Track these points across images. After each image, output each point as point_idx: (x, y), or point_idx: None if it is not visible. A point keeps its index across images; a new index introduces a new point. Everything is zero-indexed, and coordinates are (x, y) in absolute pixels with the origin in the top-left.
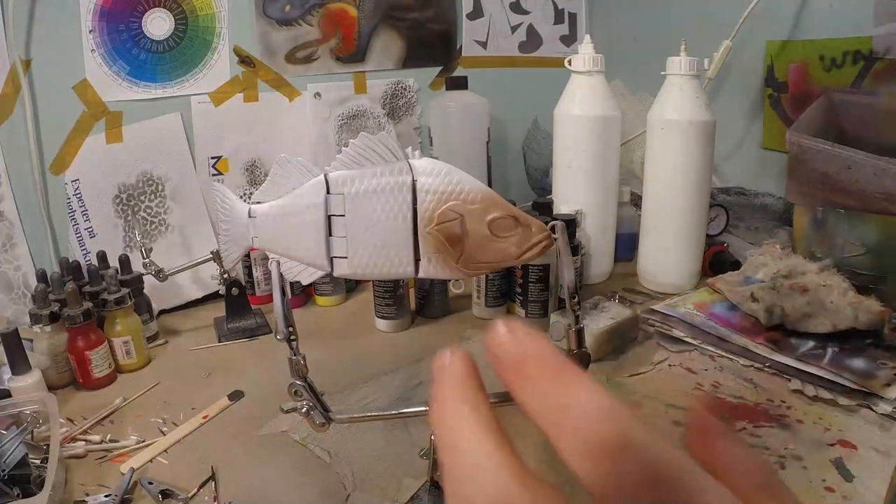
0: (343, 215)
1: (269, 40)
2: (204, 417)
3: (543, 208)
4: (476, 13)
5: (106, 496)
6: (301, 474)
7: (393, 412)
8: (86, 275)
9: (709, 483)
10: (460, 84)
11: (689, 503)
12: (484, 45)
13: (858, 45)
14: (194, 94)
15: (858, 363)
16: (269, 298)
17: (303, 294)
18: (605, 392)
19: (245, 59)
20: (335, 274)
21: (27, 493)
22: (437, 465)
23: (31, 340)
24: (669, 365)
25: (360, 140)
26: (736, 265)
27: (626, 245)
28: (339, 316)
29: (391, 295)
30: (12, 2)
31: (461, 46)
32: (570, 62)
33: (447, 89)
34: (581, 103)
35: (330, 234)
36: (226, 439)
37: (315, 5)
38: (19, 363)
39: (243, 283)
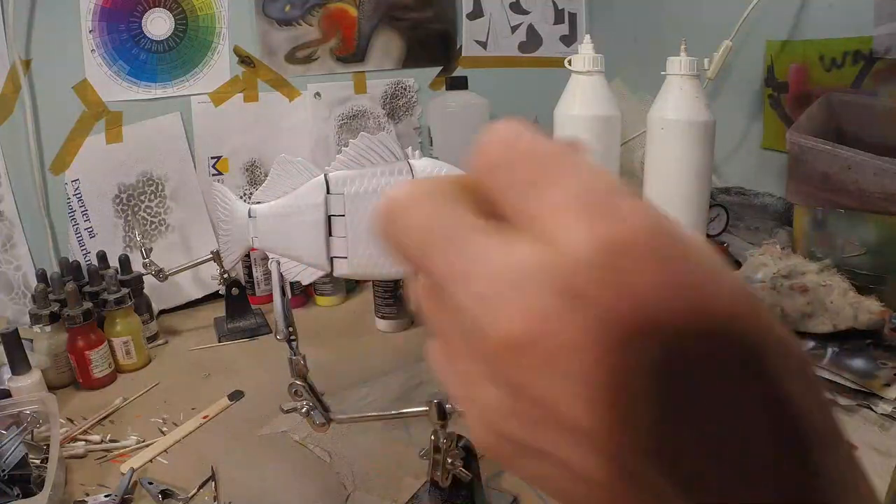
0: (343, 215)
1: (269, 40)
2: (204, 417)
3: None
4: (476, 13)
5: (106, 496)
6: (301, 474)
7: (393, 412)
8: (86, 275)
9: None
10: (460, 84)
11: None
12: (484, 45)
13: (858, 45)
14: (194, 94)
15: (858, 363)
16: (269, 298)
17: (303, 294)
18: None
19: (245, 59)
20: (335, 274)
21: (27, 493)
22: (436, 464)
23: (31, 340)
24: None
25: (360, 140)
26: (736, 265)
27: None
28: (339, 316)
29: (391, 295)
30: (12, 2)
31: (461, 46)
32: (570, 62)
33: (447, 89)
34: (581, 103)
35: (330, 235)
36: (226, 439)
37: (315, 5)
38: (19, 363)
39: (243, 283)
